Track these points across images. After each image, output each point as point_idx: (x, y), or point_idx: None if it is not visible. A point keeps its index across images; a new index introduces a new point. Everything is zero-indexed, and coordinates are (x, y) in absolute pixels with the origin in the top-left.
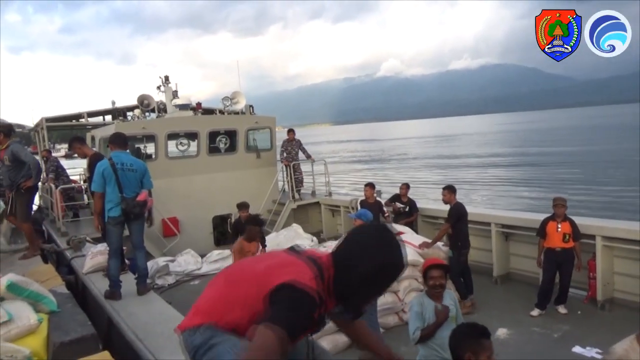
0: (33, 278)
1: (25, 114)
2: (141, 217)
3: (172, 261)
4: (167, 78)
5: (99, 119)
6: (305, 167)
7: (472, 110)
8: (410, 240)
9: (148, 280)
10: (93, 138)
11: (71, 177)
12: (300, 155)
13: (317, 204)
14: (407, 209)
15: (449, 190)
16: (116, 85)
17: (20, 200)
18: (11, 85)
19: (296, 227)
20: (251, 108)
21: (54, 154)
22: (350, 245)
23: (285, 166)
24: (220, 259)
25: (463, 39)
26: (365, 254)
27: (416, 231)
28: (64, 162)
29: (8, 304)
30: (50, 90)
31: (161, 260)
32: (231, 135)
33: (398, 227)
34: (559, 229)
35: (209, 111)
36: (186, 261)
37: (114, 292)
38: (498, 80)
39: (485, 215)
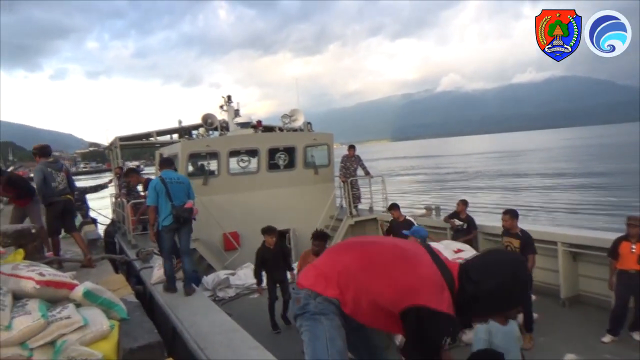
0: (106, 287)
1: (101, 133)
2: (189, 224)
3: (233, 274)
4: (229, 98)
5: (167, 137)
6: (362, 183)
7: (537, 125)
8: None
9: (209, 293)
10: (161, 155)
11: (141, 193)
12: (359, 171)
13: (375, 220)
14: (465, 226)
15: (511, 215)
16: (182, 105)
17: (47, 215)
18: (89, 108)
19: None
20: (309, 125)
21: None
22: (485, 261)
23: (343, 182)
24: None
25: (527, 52)
26: (499, 271)
27: (477, 249)
28: None
29: (84, 310)
30: (122, 111)
31: (222, 274)
32: (290, 152)
33: (457, 245)
34: (634, 250)
35: (268, 129)
36: (246, 275)
37: (170, 288)
38: (565, 93)
39: (551, 233)
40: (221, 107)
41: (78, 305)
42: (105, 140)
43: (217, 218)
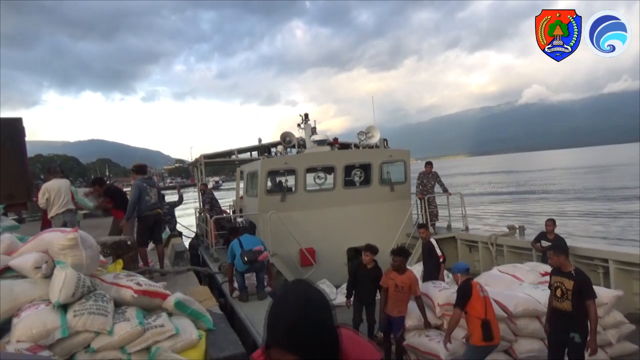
0: (192, 298)
1: (185, 150)
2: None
3: None
4: (306, 116)
5: (247, 154)
6: (440, 201)
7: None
8: None
9: None
10: (241, 172)
11: (223, 208)
12: (437, 188)
13: (453, 238)
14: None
15: (556, 251)
16: (259, 122)
17: (138, 227)
18: (175, 126)
19: None
20: (385, 142)
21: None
22: None
23: (420, 199)
24: None
25: (620, 59)
26: None
27: None
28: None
29: (175, 319)
30: (205, 129)
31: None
32: (366, 168)
33: (544, 267)
34: None
35: (344, 145)
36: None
37: (243, 297)
38: None
39: None
40: (299, 125)
41: (170, 315)
42: (189, 156)
43: (294, 234)
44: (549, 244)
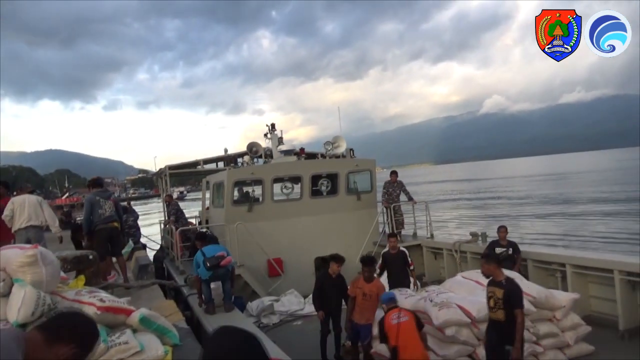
0: (158, 312)
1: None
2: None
3: (277, 301)
4: (273, 126)
5: (214, 165)
6: (405, 209)
7: (587, 145)
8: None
9: (254, 319)
10: (207, 183)
11: (189, 219)
12: (402, 197)
13: (419, 246)
14: (510, 251)
15: (487, 259)
16: (225, 131)
17: (94, 241)
18: (138, 136)
19: None
20: (351, 151)
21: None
22: None
23: (386, 208)
24: None
25: (575, 71)
26: None
27: (527, 277)
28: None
29: (140, 335)
30: (169, 138)
31: (266, 300)
32: (332, 178)
33: (507, 273)
34: None
35: (311, 155)
36: (290, 301)
37: (210, 310)
38: (616, 113)
39: (607, 261)
40: (265, 135)
41: (134, 331)
42: (153, 167)
43: (261, 244)
44: (503, 249)
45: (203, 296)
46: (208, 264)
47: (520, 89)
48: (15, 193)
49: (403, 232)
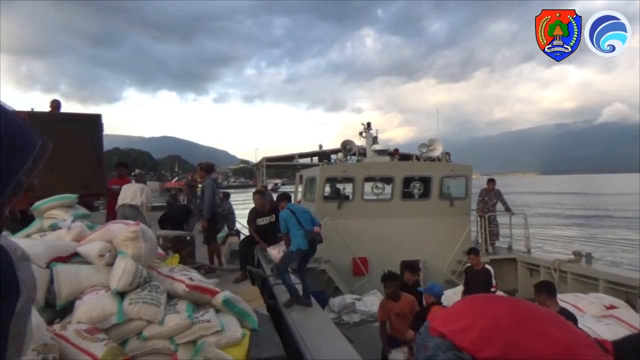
0: (242, 297)
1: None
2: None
3: (359, 300)
4: (369, 125)
5: (308, 160)
6: (502, 220)
7: None
8: None
9: (335, 315)
10: (301, 177)
11: None
12: (499, 207)
13: (514, 260)
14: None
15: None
16: (325, 128)
17: (207, 226)
18: (242, 128)
19: None
20: (447, 155)
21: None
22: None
23: (480, 217)
24: None
25: None
26: None
27: (635, 307)
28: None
29: (221, 316)
30: (271, 131)
31: (349, 298)
32: (425, 181)
33: (609, 299)
34: None
35: (405, 157)
36: (372, 302)
37: (296, 300)
38: None
39: None
40: (360, 133)
41: (217, 311)
42: (253, 158)
43: (348, 242)
44: None
45: (289, 285)
46: (310, 238)
47: None
48: (133, 174)
49: (497, 244)
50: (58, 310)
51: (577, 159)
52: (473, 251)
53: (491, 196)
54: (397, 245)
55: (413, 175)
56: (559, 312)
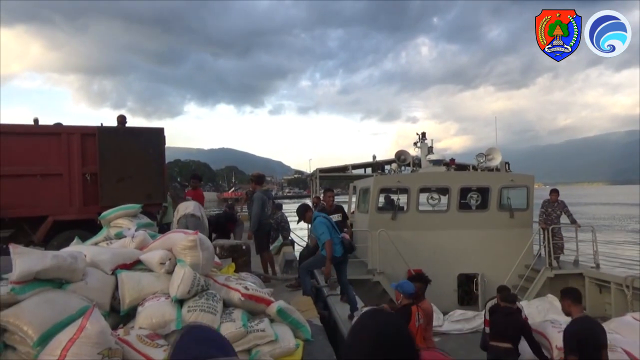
0: (295, 307)
1: (304, 162)
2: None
3: None
4: (423, 134)
5: (361, 170)
6: (567, 233)
7: None
8: None
9: None
10: (354, 188)
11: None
12: (563, 218)
13: (581, 275)
14: None
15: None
16: (379, 138)
17: (256, 235)
18: (297, 139)
19: (552, 299)
20: (507, 165)
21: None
22: None
23: (543, 229)
24: (462, 319)
25: None
26: None
27: None
28: None
29: (275, 326)
30: (325, 142)
31: None
32: (483, 192)
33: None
34: None
35: (462, 167)
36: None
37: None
38: None
39: None
40: (415, 143)
41: (271, 320)
42: (308, 168)
43: (402, 254)
44: None
45: (303, 286)
46: (347, 244)
47: None
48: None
49: (562, 258)
50: (122, 315)
51: None
52: (502, 290)
53: (554, 207)
54: (454, 258)
55: (470, 185)
56: (582, 318)
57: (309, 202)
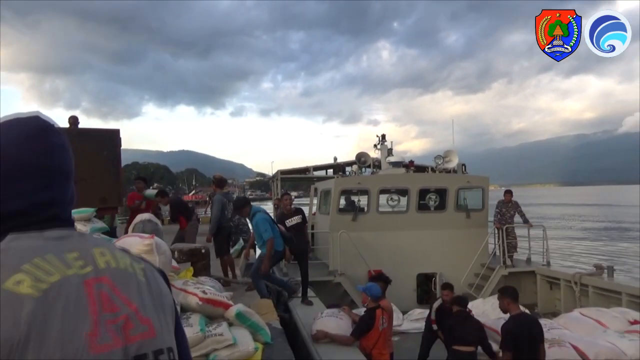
0: (255, 310)
1: (267, 165)
2: None
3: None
4: (383, 137)
5: (323, 172)
6: (520, 232)
7: None
8: None
9: None
10: (315, 190)
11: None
12: (517, 218)
13: (533, 273)
14: None
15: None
16: (341, 141)
17: (216, 239)
18: (259, 141)
19: None
20: (463, 167)
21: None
22: None
23: (497, 229)
24: (421, 318)
25: None
26: None
27: None
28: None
29: (234, 329)
30: (286, 144)
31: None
32: (441, 193)
33: (634, 314)
34: None
35: (420, 169)
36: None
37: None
38: None
39: None
40: (375, 146)
41: (230, 324)
42: (270, 171)
43: (363, 254)
44: None
45: (258, 291)
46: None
47: None
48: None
49: (515, 256)
50: None
51: (599, 170)
52: (447, 287)
53: (509, 207)
54: (413, 258)
55: (428, 187)
56: (519, 315)
57: (270, 205)
